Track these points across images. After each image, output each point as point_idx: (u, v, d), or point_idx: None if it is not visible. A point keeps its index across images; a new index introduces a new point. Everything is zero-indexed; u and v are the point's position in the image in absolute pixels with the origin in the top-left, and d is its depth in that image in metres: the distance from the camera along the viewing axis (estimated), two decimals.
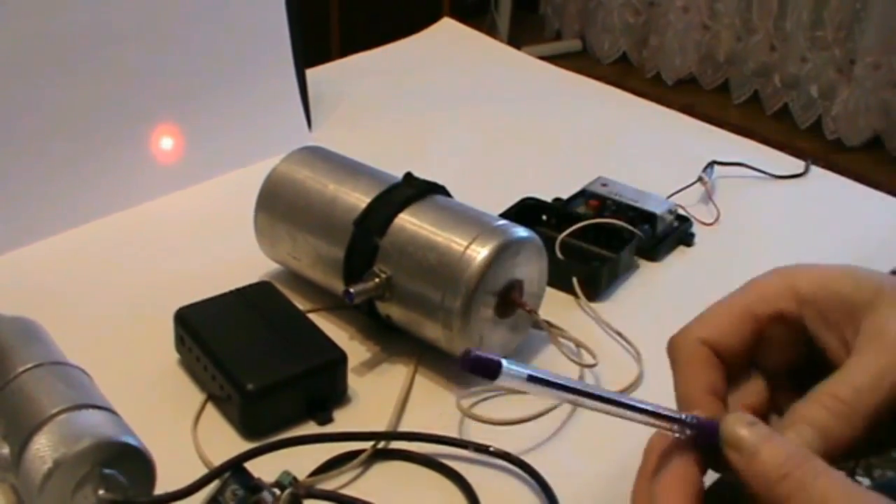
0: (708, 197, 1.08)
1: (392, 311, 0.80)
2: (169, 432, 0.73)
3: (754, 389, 0.56)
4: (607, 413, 0.51)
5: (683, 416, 0.51)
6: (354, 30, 2.79)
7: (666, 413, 0.51)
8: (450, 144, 1.20)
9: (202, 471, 0.71)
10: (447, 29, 1.55)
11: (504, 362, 0.49)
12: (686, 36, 3.37)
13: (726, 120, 1.26)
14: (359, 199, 0.83)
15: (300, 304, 0.84)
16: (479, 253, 0.76)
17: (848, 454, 0.51)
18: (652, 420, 0.52)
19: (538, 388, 0.50)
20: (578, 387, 0.51)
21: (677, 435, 0.51)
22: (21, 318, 0.76)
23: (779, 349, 0.56)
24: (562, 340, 0.83)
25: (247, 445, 0.73)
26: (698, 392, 0.54)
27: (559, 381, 0.50)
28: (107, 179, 1.03)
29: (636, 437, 0.75)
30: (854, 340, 0.52)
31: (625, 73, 3.48)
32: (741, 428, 0.49)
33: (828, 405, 0.50)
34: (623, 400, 0.52)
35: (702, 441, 0.51)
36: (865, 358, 0.51)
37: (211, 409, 0.77)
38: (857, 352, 0.52)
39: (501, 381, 0.50)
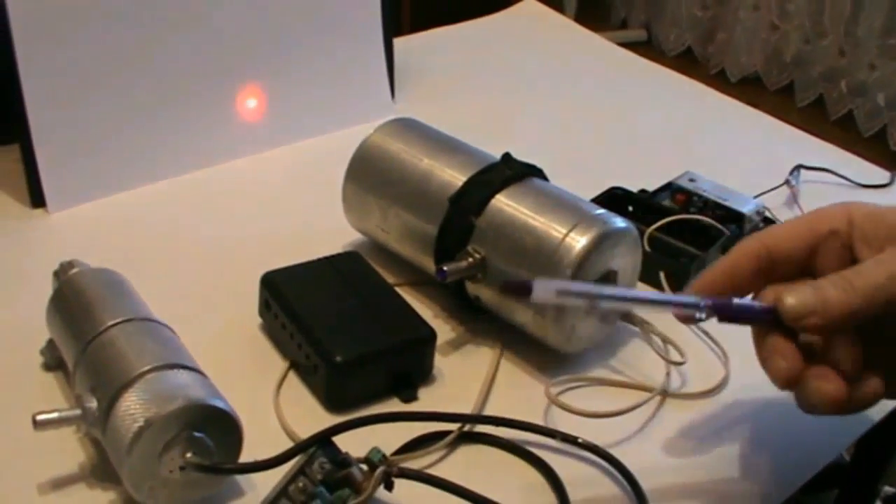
0: (794, 201, 1.05)
1: (482, 292, 0.79)
2: (250, 398, 0.72)
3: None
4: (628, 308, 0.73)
5: (698, 301, 0.63)
6: (426, 4, 2.77)
7: (681, 299, 0.66)
8: (531, 127, 1.18)
9: (284, 439, 0.71)
10: (529, 9, 1.53)
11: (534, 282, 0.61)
12: (754, 34, 3.33)
13: (788, 122, 1.24)
14: (454, 176, 0.81)
15: (383, 277, 0.83)
16: (579, 241, 0.74)
17: (847, 326, 0.62)
18: (670, 307, 0.66)
19: (567, 298, 0.64)
20: (603, 292, 0.65)
21: (697, 315, 0.63)
22: (107, 271, 0.75)
23: (830, 257, 0.66)
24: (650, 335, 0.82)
25: (329, 417, 0.73)
26: (719, 266, 0.68)
27: (586, 291, 0.65)
28: (191, 135, 1.03)
29: (724, 435, 0.74)
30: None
31: (688, 67, 3.45)
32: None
33: (832, 278, 0.62)
34: (639, 296, 0.68)
35: (719, 315, 0.64)
36: (881, 255, 0.63)
37: (293, 378, 0.76)
38: (879, 254, 0.63)
39: (535, 297, 0.62)
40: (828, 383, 0.61)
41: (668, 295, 0.70)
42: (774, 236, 0.68)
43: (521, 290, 0.62)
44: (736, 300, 0.65)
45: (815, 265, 0.67)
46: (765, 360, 0.65)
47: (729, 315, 0.64)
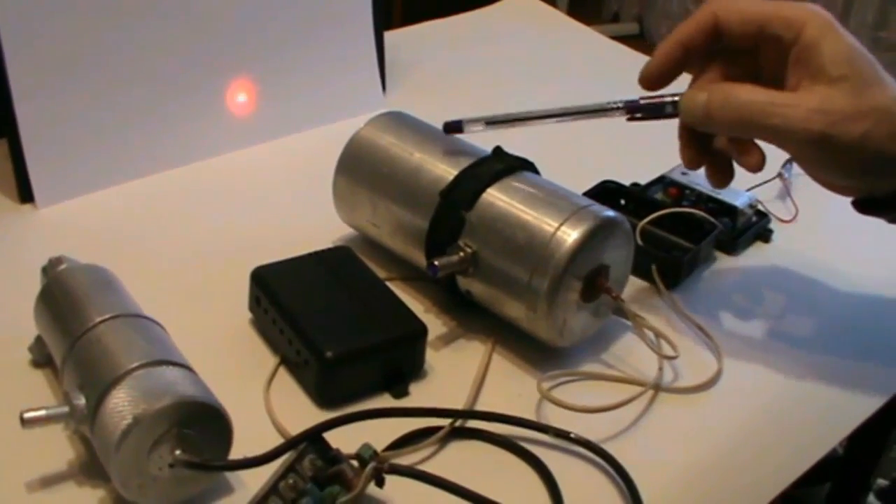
0: (786, 194, 1.05)
1: (473, 286, 0.79)
2: (240, 395, 0.71)
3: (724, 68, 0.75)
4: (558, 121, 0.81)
5: (611, 104, 0.78)
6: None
7: (597, 105, 0.80)
8: None
9: (274, 435, 0.70)
10: (521, 3, 1.52)
11: (464, 120, 0.81)
12: None
13: None
14: (445, 170, 0.81)
15: (374, 271, 0.82)
16: (571, 235, 0.74)
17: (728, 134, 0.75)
18: (591, 114, 0.80)
19: (498, 126, 0.80)
20: (525, 116, 0.81)
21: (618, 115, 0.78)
22: (95, 267, 0.75)
23: (770, 60, 0.73)
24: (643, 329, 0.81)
25: (319, 412, 0.72)
26: (675, 37, 0.74)
27: (512, 118, 0.81)
28: (181, 130, 1.02)
29: (717, 430, 0.74)
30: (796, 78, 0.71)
31: None
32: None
33: (724, 88, 0.72)
34: (562, 110, 0.82)
35: (630, 111, 0.78)
36: (782, 92, 0.71)
37: (283, 374, 0.76)
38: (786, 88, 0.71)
39: (468, 131, 0.81)
40: (719, 176, 0.78)
41: (586, 104, 0.81)
42: (728, 13, 0.73)
43: (455, 129, 0.81)
44: (643, 99, 0.76)
45: (759, 56, 0.74)
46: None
47: (639, 110, 0.77)
